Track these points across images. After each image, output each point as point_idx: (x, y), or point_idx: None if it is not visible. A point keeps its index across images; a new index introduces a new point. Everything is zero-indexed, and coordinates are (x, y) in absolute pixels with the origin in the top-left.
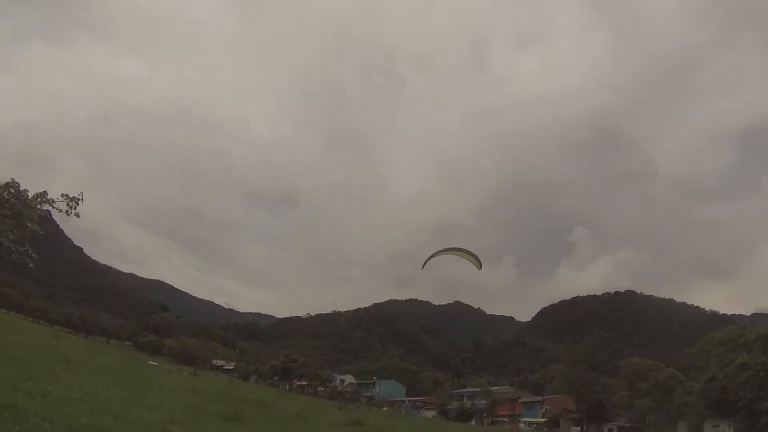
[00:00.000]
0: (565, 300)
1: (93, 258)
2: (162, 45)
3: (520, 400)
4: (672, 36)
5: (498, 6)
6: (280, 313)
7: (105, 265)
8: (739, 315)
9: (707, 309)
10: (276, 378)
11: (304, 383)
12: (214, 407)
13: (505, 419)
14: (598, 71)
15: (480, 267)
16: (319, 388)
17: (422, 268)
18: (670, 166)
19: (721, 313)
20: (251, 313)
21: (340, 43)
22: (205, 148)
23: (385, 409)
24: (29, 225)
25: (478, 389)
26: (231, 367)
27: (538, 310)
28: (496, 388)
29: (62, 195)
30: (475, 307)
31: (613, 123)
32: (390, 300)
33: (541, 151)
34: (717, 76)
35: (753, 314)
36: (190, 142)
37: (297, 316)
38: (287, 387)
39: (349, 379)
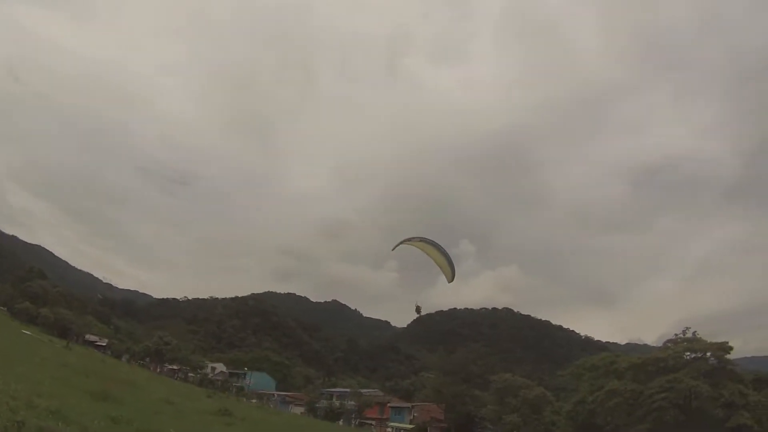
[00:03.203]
0: (442, 310)
1: None
2: (84, 6)
3: (389, 405)
4: (589, 69)
5: (422, 17)
6: (159, 293)
7: None
8: (614, 343)
9: (582, 334)
10: (148, 359)
11: (175, 367)
12: (84, 383)
13: (373, 422)
14: (510, 93)
15: (451, 280)
16: (189, 374)
17: (392, 250)
18: (566, 192)
19: (596, 339)
20: (129, 290)
21: (259, 31)
22: (109, 118)
23: (254, 401)
24: None
25: (348, 390)
26: (104, 344)
27: (415, 317)
28: (367, 390)
29: None
30: (353, 308)
31: (518, 144)
32: (268, 292)
33: (440, 162)
34: (625, 114)
35: (627, 344)
36: (95, 110)
37: (174, 298)
38: (158, 369)
39: (221, 367)
